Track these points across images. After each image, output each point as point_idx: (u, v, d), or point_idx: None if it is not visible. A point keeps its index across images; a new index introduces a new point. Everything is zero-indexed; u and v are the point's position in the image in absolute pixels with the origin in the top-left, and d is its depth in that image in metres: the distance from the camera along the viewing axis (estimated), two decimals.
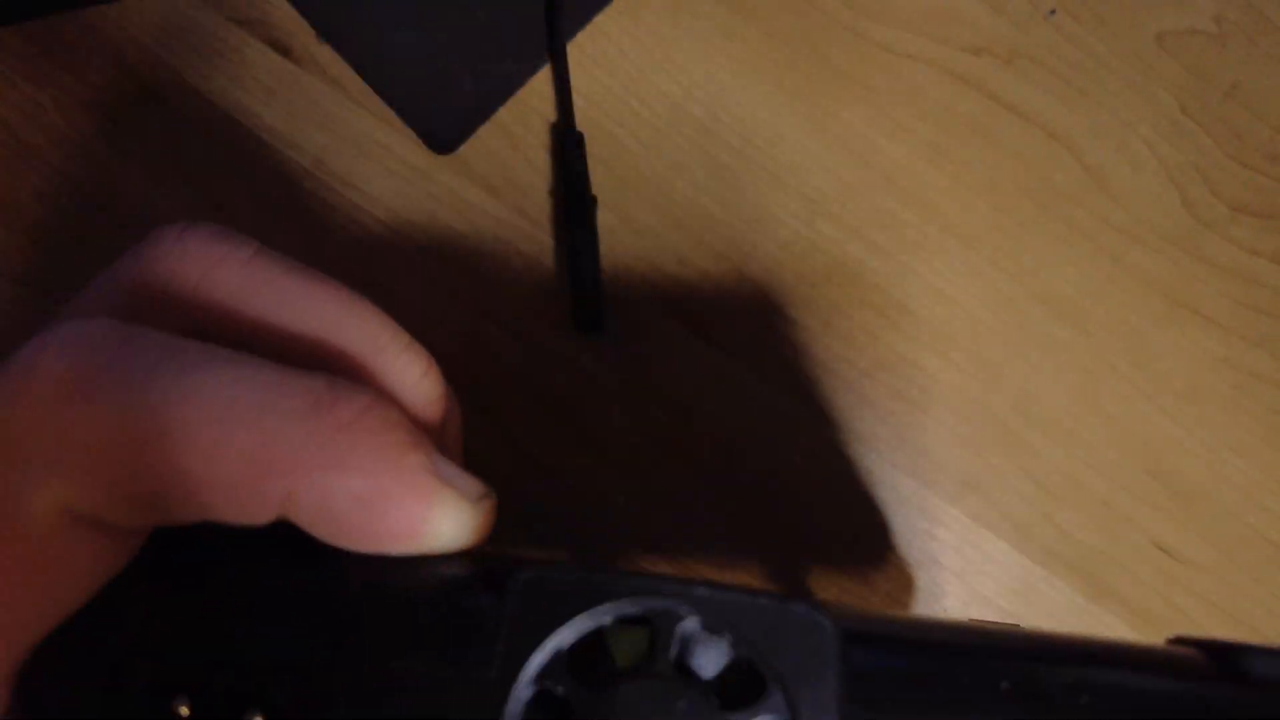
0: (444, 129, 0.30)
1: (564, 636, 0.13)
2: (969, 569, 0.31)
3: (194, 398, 0.12)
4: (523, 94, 0.31)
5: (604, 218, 0.30)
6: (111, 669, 0.13)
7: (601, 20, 0.31)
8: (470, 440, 0.30)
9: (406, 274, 0.30)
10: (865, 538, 0.30)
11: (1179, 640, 0.17)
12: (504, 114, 0.31)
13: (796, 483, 0.30)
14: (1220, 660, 0.16)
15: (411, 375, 0.15)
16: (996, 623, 0.17)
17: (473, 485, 0.14)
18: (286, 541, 0.14)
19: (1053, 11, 0.31)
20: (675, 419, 0.30)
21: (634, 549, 0.30)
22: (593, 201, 0.30)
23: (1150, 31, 0.32)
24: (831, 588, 0.30)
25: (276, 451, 0.12)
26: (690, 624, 0.13)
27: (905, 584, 0.31)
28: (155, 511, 0.13)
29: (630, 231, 0.31)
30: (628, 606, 0.13)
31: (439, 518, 0.13)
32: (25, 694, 0.13)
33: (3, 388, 0.12)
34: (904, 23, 0.31)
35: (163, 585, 0.14)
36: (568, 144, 0.30)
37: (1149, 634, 0.31)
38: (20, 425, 0.12)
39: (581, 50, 0.31)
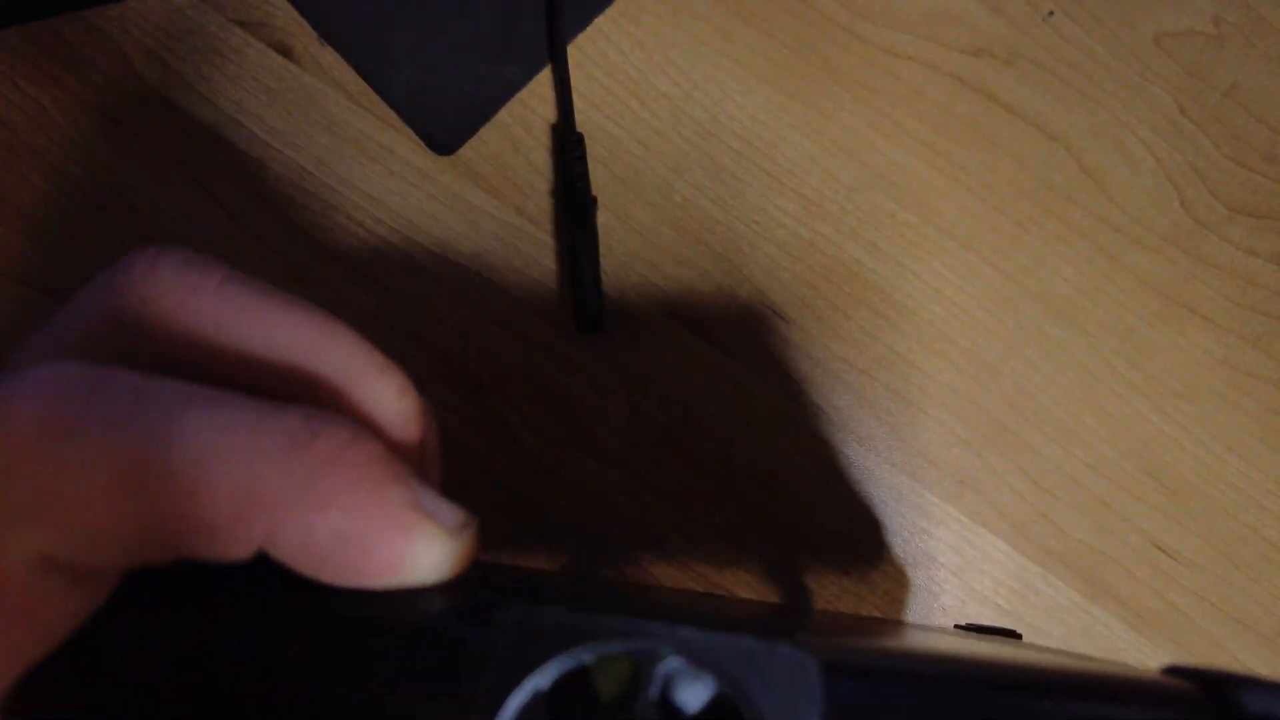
0: (445, 130, 0.30)
1: (543, 678, 0.13)
2: (967, 567, 0.31)
3: (170, 442, 0.12)
4: (523, 96, 0.31)
5: (604, 218, 0.31)
6: (90, 710, 0.13)
7: (601, 22, 0.31)
8: (470, 440, 0.30)
9: (407, 274, 0.30)
10: (863, 536, 0.31)
11: (1173, 670, 0.17)
12: (504, 115, 0.31)
13: (795, 482, 0.30)
14: (1212, 693, 0.16)
15: (388, 396, 0.15)
16: (988, 645, 0.17)
17: (454, 514, 0.14)
18: (265, 576, 0.14)
19: (1051, 13, 0.32)
20: (675, 418, 0.30)
21: (634, 548, 0.30)
22: (593, 202, 0.30)
23: (1148, 32, 0.32)
24: (830, 586, 0.31)
25: (256, 492, 0.12)
26: (673, 663, 0.14)
27: (903, 582, 0.31)
28: (132, 555, 0.13)
29: (630, 231, 0.31)
30: (609, 647, 0.13)
31: (420, 552, 0.13)
32: None
33: None
34: (903, 24, 0.31)
35: (140, 623, 0.14)
36: (568, 145, 0.30)
37: (1146, 632, 0.31)
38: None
39: (582, 52, 0.31)
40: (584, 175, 0.30)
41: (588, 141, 0.30)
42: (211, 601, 0.14)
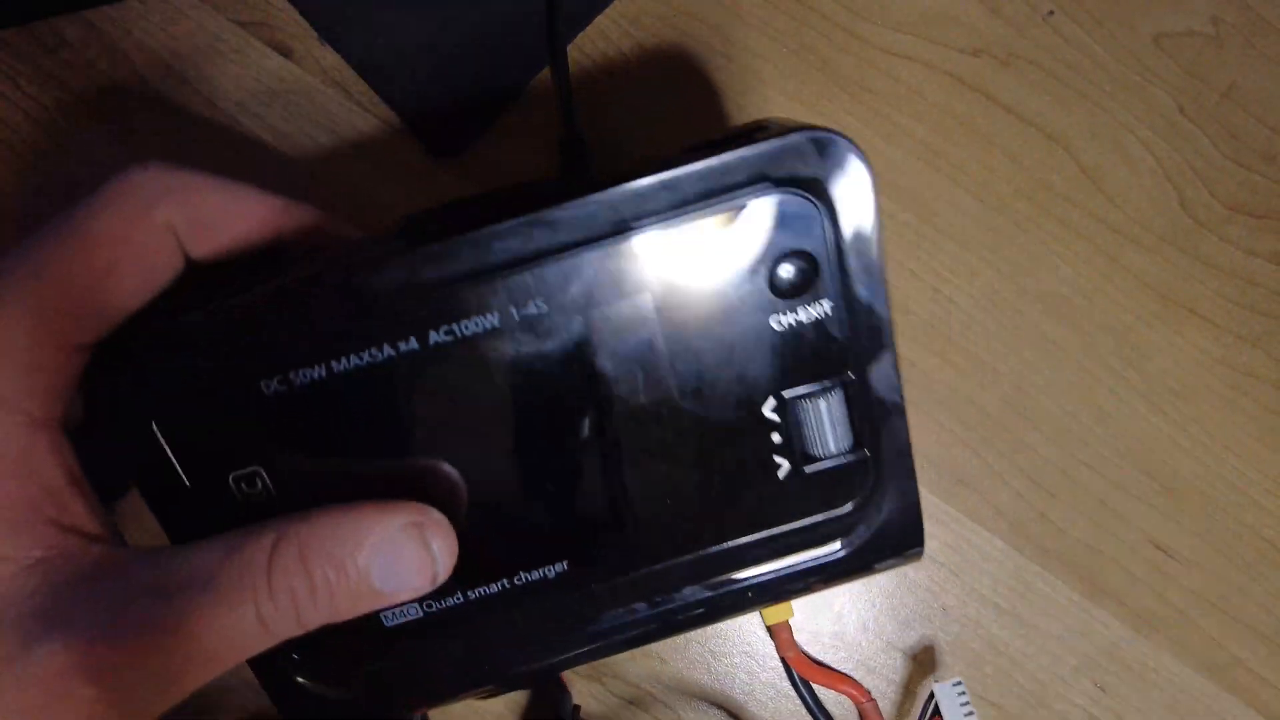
0: (446, 132, 0.30)
1: None
2: (966, 567, 0.31)
3: (222, 185, 0.21)
4: (525, 97, 0.31)
5: None
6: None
7: (601, 22, 0.31)
8: None
9: None
10: None
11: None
12: (506, 117, 0.31)
13: None
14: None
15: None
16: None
17: None
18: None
19: (1050, 12, 0.32)
20: None
21: None
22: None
23: (1148, 32, 0.32)
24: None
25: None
26: None
27: (903, 583, 0.31)
28: (204, 242, 0.20)
29: None
30: None
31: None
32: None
33: (120, 172, 0.19)
34: (901, 24, 0.31)
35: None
36: (570, 148, 0.30)
37: (1145, 631, 0.31)
38: (144, 177, 0.19)
39: (582, 52, 0.31)
40: (588, 179, 0.30)
41: (588, 144, 0.30)
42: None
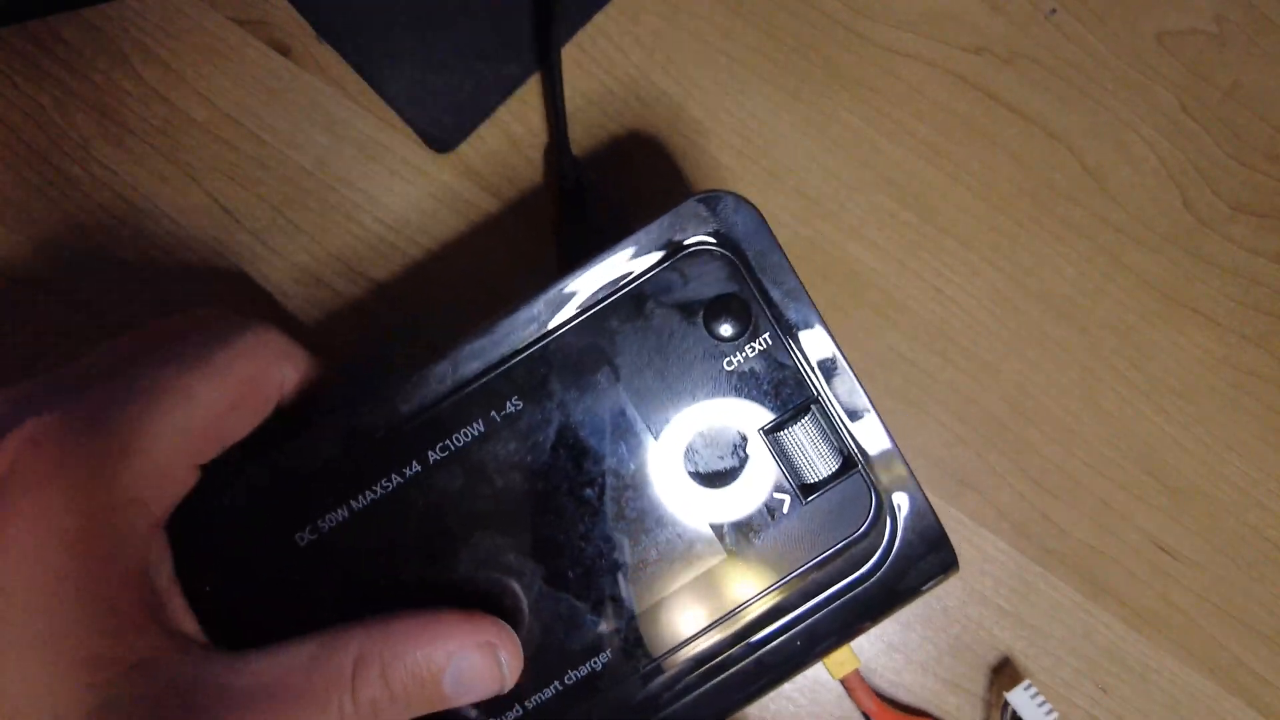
0: (444, 128, 0.30)
1: None
2: (968, 568, 0.31)
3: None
4: (522, 93, 0.31)
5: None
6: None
7: (601, 20, 0.31)
8: None
9: (406, 273, 0.30)
10: None
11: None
12: (503, 113, 0.31)
13: None
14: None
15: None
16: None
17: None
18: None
19: (1053, 10, 0.31)
20: None
21: None
22: (593, 211, 0.30)
23: (1150, 31, 0.32)
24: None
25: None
26: None
27: None
28: (287, 391, 0.23)
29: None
30: None
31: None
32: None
33: (252, 329, 0.22)
34: (903, 22, 0.31)
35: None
36: (564, 168, 0.29)
37: (1147, 632, 0.31)
38: (268, 336, 0.22)
39: (581, 50, 0.31)
40: (581, 197, 0.29)
41: (584, 140, 0.30)
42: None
